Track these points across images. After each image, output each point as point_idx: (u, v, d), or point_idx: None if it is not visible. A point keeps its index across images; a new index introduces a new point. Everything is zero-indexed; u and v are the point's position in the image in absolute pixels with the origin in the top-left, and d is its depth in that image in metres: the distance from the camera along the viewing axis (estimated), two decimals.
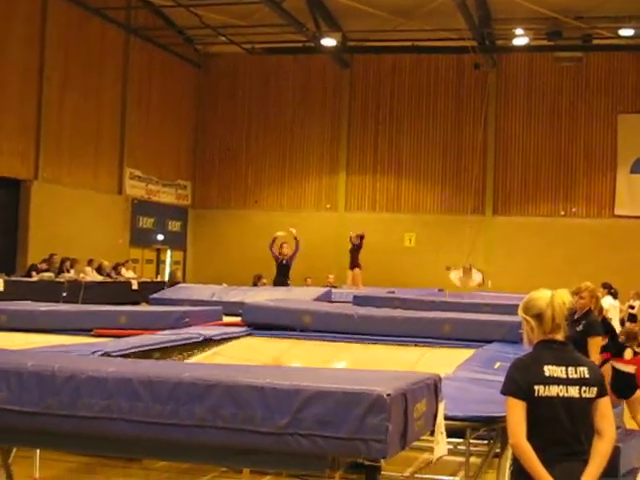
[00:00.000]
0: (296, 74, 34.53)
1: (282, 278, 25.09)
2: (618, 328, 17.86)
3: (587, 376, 4.70)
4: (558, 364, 4.69)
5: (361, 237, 24.80)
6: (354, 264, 25.06)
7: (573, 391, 4.65)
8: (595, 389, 4.69)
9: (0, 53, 24.82)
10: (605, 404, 4.73)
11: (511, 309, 17.40)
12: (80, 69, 28.20)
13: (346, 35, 32.00)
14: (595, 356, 9.45)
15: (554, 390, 4.64)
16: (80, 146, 28.21)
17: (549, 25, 29.67)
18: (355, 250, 25.07)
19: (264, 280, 26.30)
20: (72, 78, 27.81)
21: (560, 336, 4.79)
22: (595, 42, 30.67)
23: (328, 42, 30.82)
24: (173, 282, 27.15)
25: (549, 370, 4.67)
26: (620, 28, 29.14)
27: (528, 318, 4.83)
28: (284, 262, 24.10)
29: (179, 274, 29.64)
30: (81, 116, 28.22)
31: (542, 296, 4.83)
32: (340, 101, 34.13)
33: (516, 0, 27.95)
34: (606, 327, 10.85)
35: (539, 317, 4.78)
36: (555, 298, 4.78)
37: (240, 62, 35.22)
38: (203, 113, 35.52)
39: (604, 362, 10.37)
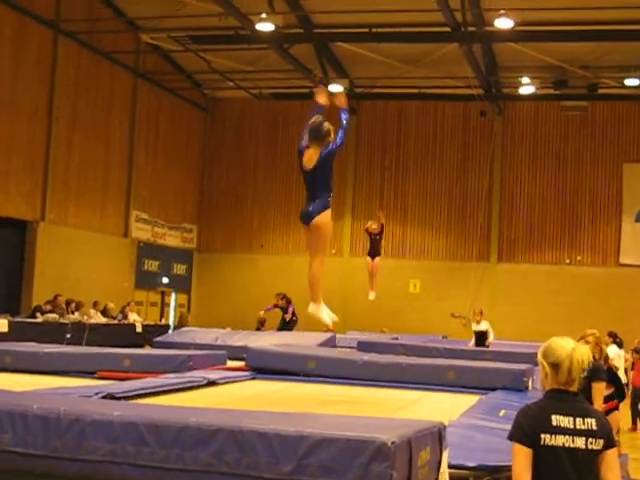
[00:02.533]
0: (303, 119, 34.47)
1: (286, 324, 25.24)
2: (624, 378, 17.82)
3: (594, 428, 4.68)
4: (566, 414, 4.68)
5: (382, 226, 23.67)
6: (375, 252, 23.99)
7: (579, 442, 4.63)
8: (602, 441, 4.67)
9: (10, 94, 24.97)
10: (612, 456, 4.70)
11: (515, 357, 17.41)
12: (88, 111, 28.37)
13: (353, 81, 32.20)
14: (599, 402, 9.42)
15: (560, 440, 4.63)
16: (87, 188, 28.30)
17: (555, 74, 29.87)
18: (375, 239, 24.03)
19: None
20: (80, 120, 27.96)
21: (573, 388, 4.78)
22: (601, 91, 30.83)
23: (335, 88, 30.95)
24: (182, 324, 27.21)
25: (556, 420, 4.66)
26: (625, 78, 29.29)
27: (545, 364, 4.81)
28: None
29: (189, 317, 29.67)
30: (88, 158, 28.33)
31: (564, 346, 4.81)
32: (346, 146, 34.09)
33: (522, 49, 28.11)
34: (611, 376, 10.83)
35: (556, 366, 4.77)
36: (575, 353, 4.76)
37: (247, 107, 35.41)
38: (210, 157, 35.67)
39: (609, 411, 10.34)
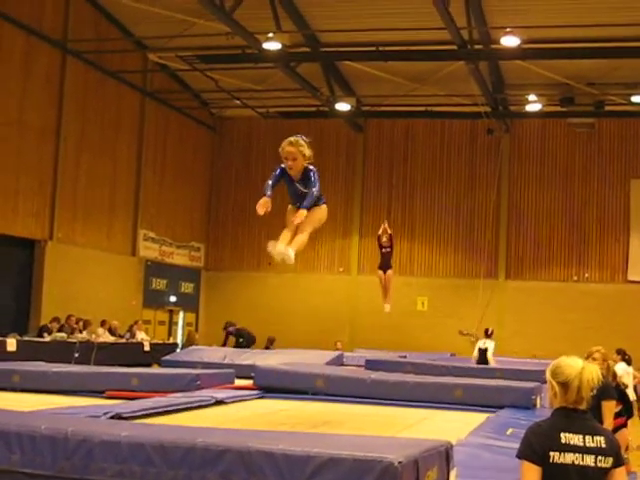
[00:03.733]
0: (310, 138, 34.68)
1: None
2: (632, 395, 17.75)
3: (604, 446, 4.66)
4: (575, 432, 4.65)
5: (390, 237, 23.77)
6: (387, 265, 24.02)
7: (589, 460, 4.61)
8: (611, 459, 4.65)
9: (19, 113, 25.06)
10: (621, 474, 4.68)
11: (523, 375, 17.39)
12: (96, 130, 28.45)
13: (360, 100, 32.25)
14: (609, 420, 9.40)
15: (569, 458, 4.61)
16: (95, 207, 28.36)
17: (562, 91, 29.88)
18: (386, 252, 24.10)
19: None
20: (88, 139, 28.04)
21: (582, 406, 4.75)
22: (607, 108, 30.82)
23: (342, 106, 31.05)
24: (190, 343, 27.22)
25: (565, 437, 4.64)
26: (632, 95, 29.31)
27: (554, 383, 4.78)
28: None
29: (197, 336, 29.65)
30: (96, 177, 28.40)
31: (573, 365, 4.78)
32: (354, 164, 34.31)
33: (529, 66, 28.17)
34: (620, 393, 10.80)
35: (565, 385, 4.73)
36: (585, 372, 4.73)
37: (254, 125, 35.48)
38: (217, 176, 35.74)
39: (617, 428, 10.30)
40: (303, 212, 9.93)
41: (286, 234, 10.29)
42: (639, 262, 31.66)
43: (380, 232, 23.40)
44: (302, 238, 10.13)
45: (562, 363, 4.82)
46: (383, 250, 23.51)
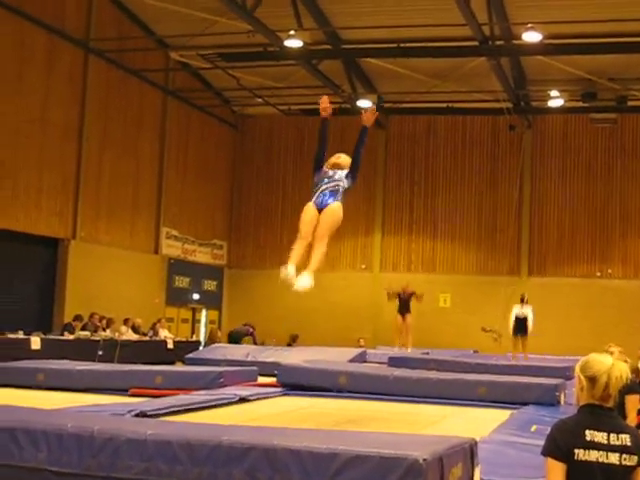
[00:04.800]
0: (331, 135, 34.65)
1: None
2: None
3: (629, 444, 4.63)
4: (600, 429, 4.64)
5: (410, 294, 24.64)
6: (406, 309, 24.57)
7: (613, 458, 4.59)
8: (636, 457, 4.62)
9: (42, 112, 25.17)
10: None
11: (547, 371, 17.35)
12: (119, 129, 28.54)
13: (381, 96, 32.19)
14: (633, 415, 9.39)
15: (594, 455, 4.59)
16: (117, 205, 28.45)
17: (584, 86, 29.75)
18: (406, 297, 24.73)
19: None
20: (111, 137, 28.13)
21: (609, 404, 4.74)
22: (630, 104, 30.68)
23: (364, 103, 31.01)
24: (213, 341, 27.27)
25: (590, 435, 4.63)
26: None
27: (582, 377, 4.77)
28: None
29: (219, 333, 29.69)
30: (119, 175, 28.49)
31: (603, 361, 4.78)
32: (375, 161, 34.24)
33: (550, 62, 28.07)
34: None
35: (593, 380, 4.72)
36: (614, 369, 4.72)
37: (276, 123, 35.51)
38: (239, 173, 35.77)
39: None
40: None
41: (298, 250, 9.82)
42: None
43: (400, 290, 24.06)
44: (320, 252, 9.63)
45: (592, 359, 4.82)
46: (401, 296, 24.03)
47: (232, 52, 28.62)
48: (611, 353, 9.66)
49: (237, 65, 29.90)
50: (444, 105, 32.67)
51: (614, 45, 26.22)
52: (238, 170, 35.78)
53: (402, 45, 27.00)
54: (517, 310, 24.29)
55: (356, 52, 28.82)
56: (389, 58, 28.74)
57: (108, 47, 27.29)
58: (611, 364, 4.75)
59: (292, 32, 24.86)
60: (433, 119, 33.88)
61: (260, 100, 33.34)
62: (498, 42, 25.55)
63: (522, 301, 24.41)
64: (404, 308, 24.86)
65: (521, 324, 24.07)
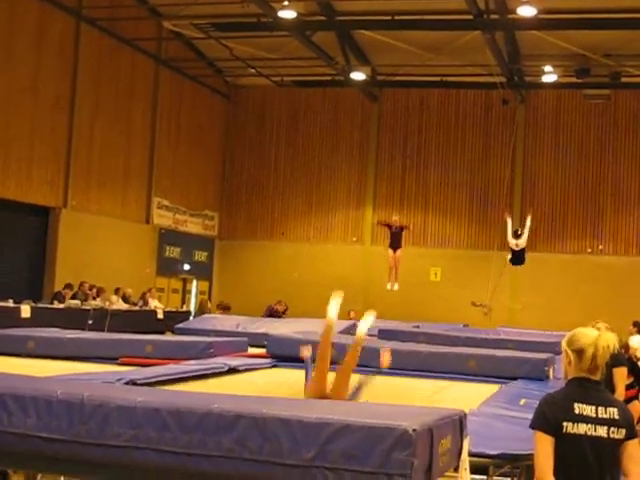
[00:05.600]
0: (324, 107, 34.68)
1: None
2: None
3: (617, 417, 4.67)
4: (588, 403, 4.67)
5: (402, 228, 24.72)
6: (397, 245, 24.65)
7: (601, 431, 4.62)
8: (624, 431, 4.66)
9: (33, 81, 25.04)
10: (633, 446, 4.68)
11: (536, 346, 17.40)
12: (110, 98, 28.42)
13: (375, 69, 32.17)
14: (621, 388, 9.43)
15: (582, 428, 4.62)
16: (109, 175, 28.38)
17: (578, 62, 29.69)
18: (397, 232, 24.78)
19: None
20: (102, 107, 28.02)
21: (596, 377, 4.77)
22: (623, 80, 30.64)
23: (357, 76, 30.94)
24: (203, 312, 27.25)
25: (579, 408, 4.65)
26: None
27: (569, 351, 4.80)
28: None
29: (209, 304, 29.67)
30: (110, 145, 28.40)
31: (589, 334, 4.81)
32: (368, 134, 34.20)
33: (545, 37, 27.99)
34: (632, 365, 10.80)
35: (580, 353, 4.75)
36: (600, 339, 4.76)
37: (269, 94, 35.41)
38: (231, 144, 35.69)
39: (629, 400, 10.31)
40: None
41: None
42: None
43: (390, 222, 23.97)
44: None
45: (578, 332, 4.85)
46: (393, 230, 23.89)
47: (225, 22, 28.51)
48: (598, 329, 9.69)
49: (230, 35, 29.78)
50: (437, 79, 32.61)
51: (608, 21, 26.18)
52: (230, 141, 35.69)
53: (396, 17, 26.90)
54: (512, 245, 24.35)
55: (350, 24, 28.72)
56: (383, 30, 28.65)
57: (100, 15, 27.13)
58: (597, 335, 4.78)
59: (286, 3, 24.77)
60: (426, 92, 33.80)
61: (253, 71, 33.23)
62: (493, 16, 25.47)
63: (516, 234, 24.39)
64: (395, 243, 24.82)
65: (518, 257, 24.16)
